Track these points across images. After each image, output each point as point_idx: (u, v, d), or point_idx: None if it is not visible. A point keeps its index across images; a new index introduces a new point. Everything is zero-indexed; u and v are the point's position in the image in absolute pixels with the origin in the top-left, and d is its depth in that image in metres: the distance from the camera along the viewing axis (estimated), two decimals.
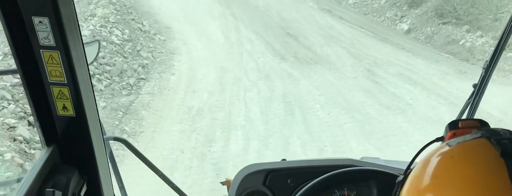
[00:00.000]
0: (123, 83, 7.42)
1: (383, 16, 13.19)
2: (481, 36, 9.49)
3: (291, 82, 7.78)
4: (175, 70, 8.45)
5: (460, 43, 9.49)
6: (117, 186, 1.71)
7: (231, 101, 6.99)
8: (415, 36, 11.06)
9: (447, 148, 0.76)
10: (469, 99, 1.75)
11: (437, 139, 0.90)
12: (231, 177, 1.59)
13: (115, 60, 7.90)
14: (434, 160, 0.76)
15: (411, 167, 0.82)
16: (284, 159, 1.61)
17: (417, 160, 0.86)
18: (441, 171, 0.74)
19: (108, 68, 7.47)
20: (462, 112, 1.80)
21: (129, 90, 7.32)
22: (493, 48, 1.64)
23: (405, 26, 12.08)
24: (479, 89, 1.71)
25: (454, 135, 0.84)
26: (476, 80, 1.54)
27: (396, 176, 1.09)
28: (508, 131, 0.76)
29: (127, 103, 6.84)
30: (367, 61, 9.05)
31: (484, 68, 1.67)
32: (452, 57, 9.35)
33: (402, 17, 12.77)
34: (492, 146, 0.72)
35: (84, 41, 1.18)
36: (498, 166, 0.69)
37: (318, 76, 8.10)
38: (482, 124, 0.84)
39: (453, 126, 0.87)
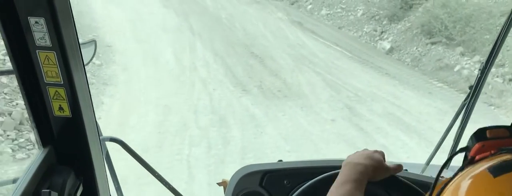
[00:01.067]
0: (21, 140, 5.61)
1: (361, 31, 11.84)
2: (479, 61, 8.04)
3: (253, 129, 6.44)
4: (102, 112, 6.75)
5: (455, 69, 8.39)
6: (114, 187, 1.71)
7: (170, 163, 5.51)
8: (399, 57, 9.82)
9: (490, 177, 0.68)
10: (464, 100, 1.80)
11: (462, 150, 0.84)
12: (228, 178, 1.60)
13: (15, 104, 6.21)
14: (478, 193, 0.68)
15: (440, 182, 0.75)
16: (281, 160, 1.64)
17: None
18: None
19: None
20: (457, 114, 1.85)
21: (27, 152, 5.44)
22: (489, 49, 1.68)
23: (387, 45, 10.72)
24: (475, 91, 1.76)
25: (483, 147, 0.78)
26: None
27: (394, 177, 1.32)
28: None
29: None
30: (346, 94, 7.78)
31: (480, 69, 1.71)
32: (447, 87, 8.15)
33: (382, 33, 11.55)
34: None
35: (80, 42, 1.20)
36: None
37: (287, 119, 6.81)
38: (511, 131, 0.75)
39: (480, 136, 0.80)
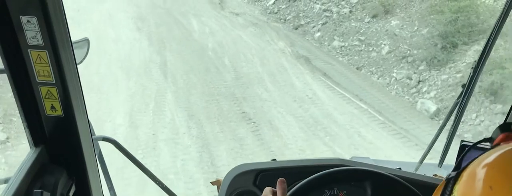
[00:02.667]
0: None
1: (388, 76, 8.67)
2: None
3: None
4: None
5: None
6: (107, 186, 1.78)
7: None
8: None
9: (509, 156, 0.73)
10: (457, 99, 1.84)
11: (485, 140, 0.88)
12: (222, 177, 1.68)
13: None
14: (505, 165, 0.69)
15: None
16: (274, 159, 1.74)
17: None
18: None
19: None
20: (451, 112, 1.91)
21: None
22: (481, 49, 1.82)
23: (431, 105, 7.24)
24: (468, 89, 1.80)
25: (506, 137, 0.82)
26: None
27: (387, 176, 1.42)
28: None
29: None
30: None
31: (472, 68, 1.79)
32: None
33: (419, 82, 8.31)
34: None
35: (72, 41, 1.29)
36: None
37: None
38: None
39: (505, 128, 0.83)
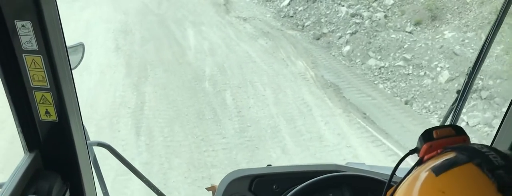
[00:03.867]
0: None
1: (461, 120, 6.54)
2: None
3: None
4: None
5: None
6: (101, 191, 1.76)
7: None
8: None
9: (432, 176, 0.75)
10: (452, 105, 1.85)
11: (412, 152, 0.90)
12: (217, 182, 1.68)
13: None
14: (422, 192, 0.74)
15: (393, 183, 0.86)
16: (270, 165, 1.72)
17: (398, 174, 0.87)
18: None
19: None
20: (445, 118, 1.91)
21: None
22: (476, 55, 1.80)
23: None
24: (463, 95, 1.81)
25: (430, 148, 0.84)
26: None
27: (381, 181, 1.43)
28: (495, 151, 0.75)
29: None
30: None
31: (467, 74, 1.80)
32: None
33: None
34: (486, 177, 0.69)
35: (67, 45, 1.29)
36: None
37: None
38: (457, 131, 0.86)
39: (427, 137, 0.85)
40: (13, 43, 1.10)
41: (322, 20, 10.53)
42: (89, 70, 7.65)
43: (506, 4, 1.60)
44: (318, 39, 9.77)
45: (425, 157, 0.84)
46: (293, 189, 1.49)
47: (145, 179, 1.89)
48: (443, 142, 0.81)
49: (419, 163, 0.85)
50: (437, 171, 0.72)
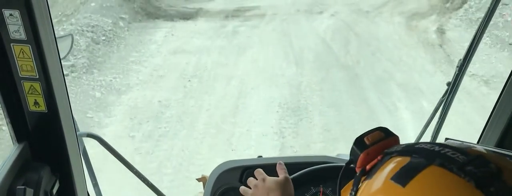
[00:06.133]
0: None
1: None
2: None
3: None
4: None
5: None
6: (91, 183, 1.74)
7: None
8: None
9: (399, 188, 0.67)
10: (443, 97, 1.85)
11: (348, 164, 0.83)
12: (207, 173, 1.65)
13: None
14: None
15: None
16: (260, 156, 1.74)
17: None
18: None
19: None
20: (436, 109, 1.90)
21: None
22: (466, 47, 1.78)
23: None
24: (453, 87, 1.79)
25: (368, 156, 0.78)
26: None
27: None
28: (446, 147, 0.70)
29: None
30: None
31: (458, 66, 1.79)
32: None
33: None
34: (456, 177, 0.65)
35: (56, 35, 1.26)
36: None
37: None
38: (386, 133, 0.82)
39: (361, 145, 0.80)
40: (1, 33, 1.09)
41: None
42: None
43: None
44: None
45: (368, 167, 0.79)
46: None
47: (135, 170, 1.88)
48: (379, 147, 0.77)
49: (363, 174, 0.78)
50: (402, 181, 0.67)
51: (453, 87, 1.80)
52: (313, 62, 7.46)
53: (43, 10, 1.11)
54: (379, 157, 0.77)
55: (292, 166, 1.52)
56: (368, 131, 0.84)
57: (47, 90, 1.18)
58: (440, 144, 0.70)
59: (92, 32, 8.19)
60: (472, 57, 1.76)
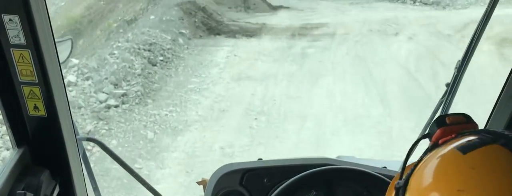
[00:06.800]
0: None
1: None
2: None
3: None
4: None
5: None
6: (91, 187, 1.75)
7: None
8: None
9: (459, 154, 0.75)
10: (442, 97, 1.84)
11: (425, 136, 0.89)
12: (207, 176, 1.66)
13: None
14: (449, 169, 0.74)
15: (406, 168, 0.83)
16: (260, 159, 1.73)
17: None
18: (466, 184, 0.70)
19: None
20: (435, 111, 1.89)
21: None
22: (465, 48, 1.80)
23: None
24: (452, 88, 1.80)
25: (444, 132, 0.83)
26: None
27: (372, 174, 1.41)
28: None
29: None
30: None
31: (456, 67, 1.79)
32: None
33: None
34: None
35: (56, 40, 1.27)
36: None
37: None
38: (468, 119, 0.86)
39: (440, 122, 0.85)
40: (1, 38, 1.08)
41: None
42: None
43: None
44: None
45: (440, 141, 0.83)
46: (284, 182, 1.46)
47: (135, 174, 1.88)
48: (456, 128, 0.81)
49: (434, 147, 0.83)
50: (464, 150, 0.72)
51: (452, 88, 1.81)
52: (401, 99, 6.23)
53: (43, 15, 1.11)
54: (453, 135, 0.81)
55: (292, 168, 1.52)
56: (453, 113, 0.89)
57: (47, 95, 1.18)
58: (507, 130, 0.75)
59: (149, 51, 7.53)
60: (470, 58, 1.76)
